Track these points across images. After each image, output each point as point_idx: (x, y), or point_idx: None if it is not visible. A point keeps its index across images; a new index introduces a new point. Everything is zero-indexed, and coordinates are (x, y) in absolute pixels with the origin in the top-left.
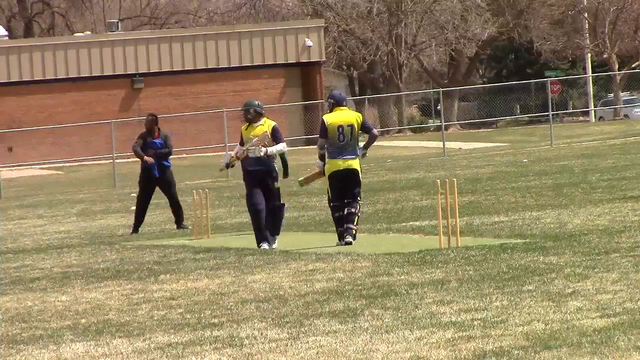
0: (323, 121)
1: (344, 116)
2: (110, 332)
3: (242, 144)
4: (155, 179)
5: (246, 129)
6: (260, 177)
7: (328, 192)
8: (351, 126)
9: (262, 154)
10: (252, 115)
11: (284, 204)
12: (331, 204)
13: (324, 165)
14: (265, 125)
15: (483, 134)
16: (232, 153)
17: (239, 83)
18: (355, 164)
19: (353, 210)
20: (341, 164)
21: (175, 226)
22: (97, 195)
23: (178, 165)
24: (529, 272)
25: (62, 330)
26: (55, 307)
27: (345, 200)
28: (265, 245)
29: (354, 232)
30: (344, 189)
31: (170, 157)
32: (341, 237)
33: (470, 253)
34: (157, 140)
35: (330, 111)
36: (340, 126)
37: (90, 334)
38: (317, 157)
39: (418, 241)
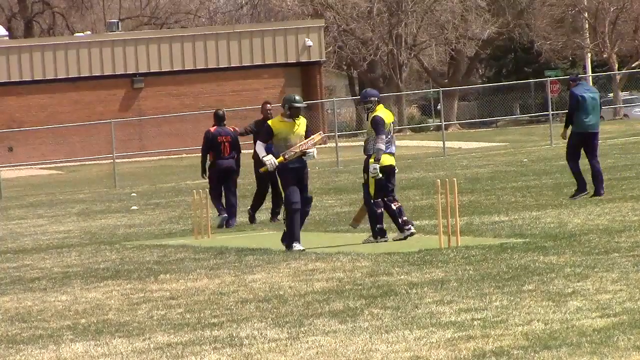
0: (382, 118)
1: (390, 113)
2: (109, 332)
3: (267, 140)
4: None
5: (285, 125)
6: (301, 174)
7: (372, 188)
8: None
9: (316, 155)
10: (301, 112)
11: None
12: (373, 201)
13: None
14: (302, 121)
15: (483, 133)
16: (270, 158)
17: (239, 83)
18: None
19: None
20: (393, 158)
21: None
22: (97, 195)
23: (178, 165)
24: (529, 272)
25: (62, 330)
26: (55, 307)
27: (392, 196)
28: (299, 247)
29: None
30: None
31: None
32: (383, 233)
33: (470, 253)
34: None
35: (374, 109)
36: (392, 122)
37: (90, 333)
38: (374, 159)
39: (418, 241)
